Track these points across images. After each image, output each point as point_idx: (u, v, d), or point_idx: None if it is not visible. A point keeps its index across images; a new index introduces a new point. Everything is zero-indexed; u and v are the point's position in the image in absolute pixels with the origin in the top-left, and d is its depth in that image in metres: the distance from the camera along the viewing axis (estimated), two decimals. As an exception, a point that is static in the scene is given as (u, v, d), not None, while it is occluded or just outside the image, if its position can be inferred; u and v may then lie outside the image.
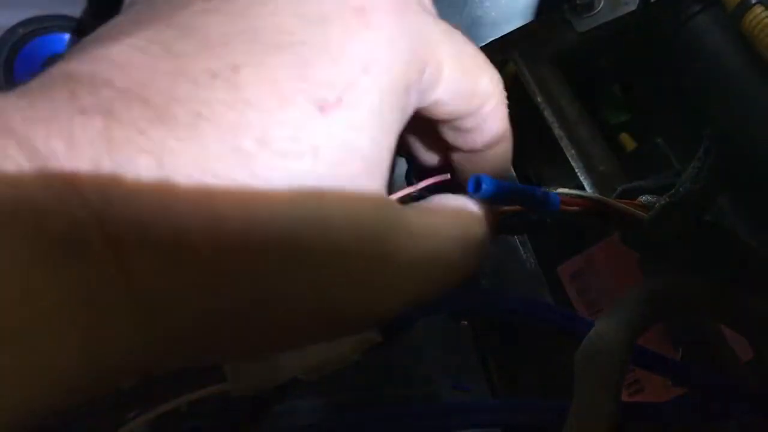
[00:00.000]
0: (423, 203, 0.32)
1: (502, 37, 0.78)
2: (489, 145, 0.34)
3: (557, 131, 0.69)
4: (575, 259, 0.76)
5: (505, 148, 0.35)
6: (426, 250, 0.28)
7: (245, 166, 0.22)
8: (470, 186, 0.41)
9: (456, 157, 0.36)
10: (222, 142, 0.21)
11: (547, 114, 0.70)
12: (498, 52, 0.76)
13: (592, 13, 0.72)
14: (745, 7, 0.54)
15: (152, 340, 0.22)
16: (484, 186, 0.40)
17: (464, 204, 0.33)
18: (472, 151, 0.35)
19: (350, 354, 0.37)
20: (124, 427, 0.38)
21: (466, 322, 0.41)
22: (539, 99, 0.71)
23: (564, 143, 0.67)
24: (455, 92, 0.30)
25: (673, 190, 0.45)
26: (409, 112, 0.29)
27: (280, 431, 0.37)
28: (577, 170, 0.66)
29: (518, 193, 0.41)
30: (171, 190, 0.21)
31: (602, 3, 0.72)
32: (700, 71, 0.65)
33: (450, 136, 0.34)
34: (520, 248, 0.53)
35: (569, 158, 0.66)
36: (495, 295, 0.41)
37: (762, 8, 0.53)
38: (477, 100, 0.31)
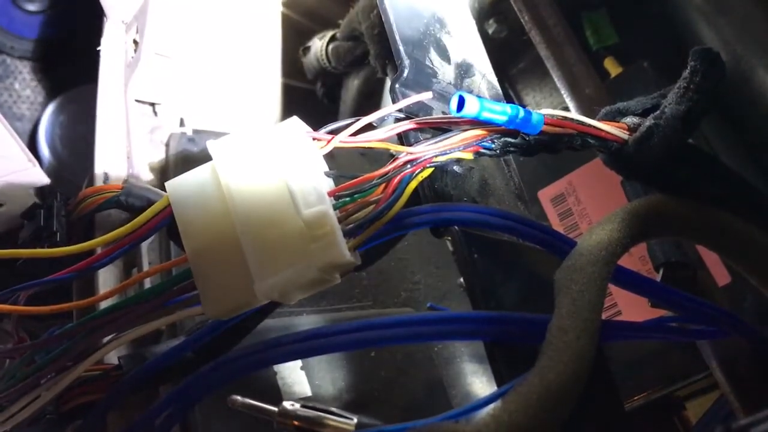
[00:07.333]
0: None
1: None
2: None
3: (543, 52, 0.66)
4: (556, 184, 0.76)
5: None
6: None
7: None
8: (455, 104, 0.39)
9: None
10: None
11: (534, 34, 0.68)
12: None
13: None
14: None
15: None
16: (468, 103, 0.39)
17: None
18: None
19: (325, 277, 0.36)
20: (100, 350, 0.38)
21: (449, 238, 0.41)
22: (526, 18, 0.68)
23: (550, 64, 0.65)
24: None
25: (657, 111, 0.44)
26: None
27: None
28: (562, 92, 0.64)
29: (502, 110, 0.40)
30: None
31: None
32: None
33: None
34: (505, 167, 0.52)
35: (555, 79, 0.64)
36: (480, 208, 0.40)
37: None
38: None
